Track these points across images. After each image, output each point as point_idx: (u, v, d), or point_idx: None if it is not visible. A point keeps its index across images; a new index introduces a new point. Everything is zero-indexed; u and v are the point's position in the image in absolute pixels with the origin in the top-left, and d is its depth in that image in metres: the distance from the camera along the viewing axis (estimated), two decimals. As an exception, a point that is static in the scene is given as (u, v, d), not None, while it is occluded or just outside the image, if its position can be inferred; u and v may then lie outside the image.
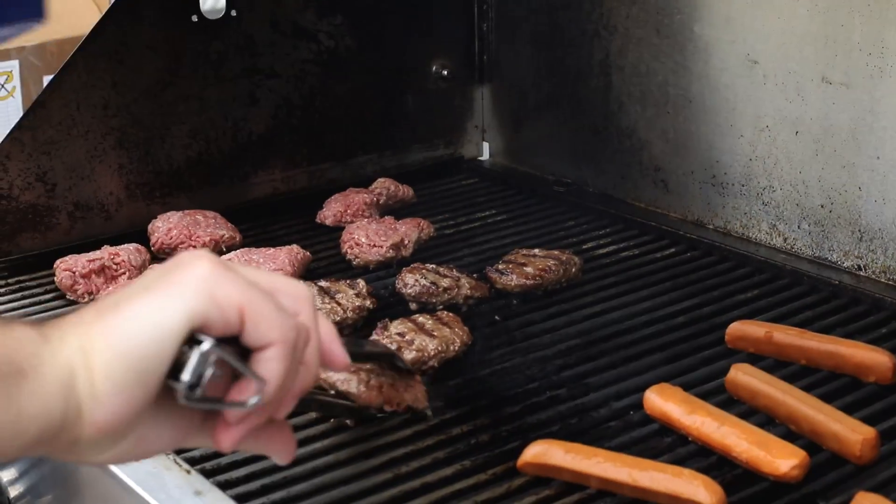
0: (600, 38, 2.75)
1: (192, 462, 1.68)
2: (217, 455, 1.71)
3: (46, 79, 3.72)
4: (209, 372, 1.02)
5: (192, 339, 1.01)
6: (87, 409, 0.99)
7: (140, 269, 2.32)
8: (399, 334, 1.98)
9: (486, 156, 3.16)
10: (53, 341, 0.99)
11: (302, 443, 1.75)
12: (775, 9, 2.36)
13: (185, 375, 1.01)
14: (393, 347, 1.95)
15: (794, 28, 2.34)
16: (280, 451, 1.16)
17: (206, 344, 1.01)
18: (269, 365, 1.04)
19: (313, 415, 1.81)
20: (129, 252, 2.36)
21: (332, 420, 1.80)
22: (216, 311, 1.01)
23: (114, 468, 1.62)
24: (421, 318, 2.04)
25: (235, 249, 2.42)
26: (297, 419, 1.79)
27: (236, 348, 1.04)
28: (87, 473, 1.71)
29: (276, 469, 1.68)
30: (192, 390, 1.01)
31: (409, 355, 1.94)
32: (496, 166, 3.12)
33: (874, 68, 2.22)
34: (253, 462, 1.70)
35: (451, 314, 2.08)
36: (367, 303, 2.15)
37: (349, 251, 2.45)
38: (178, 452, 1.70)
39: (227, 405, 1.05)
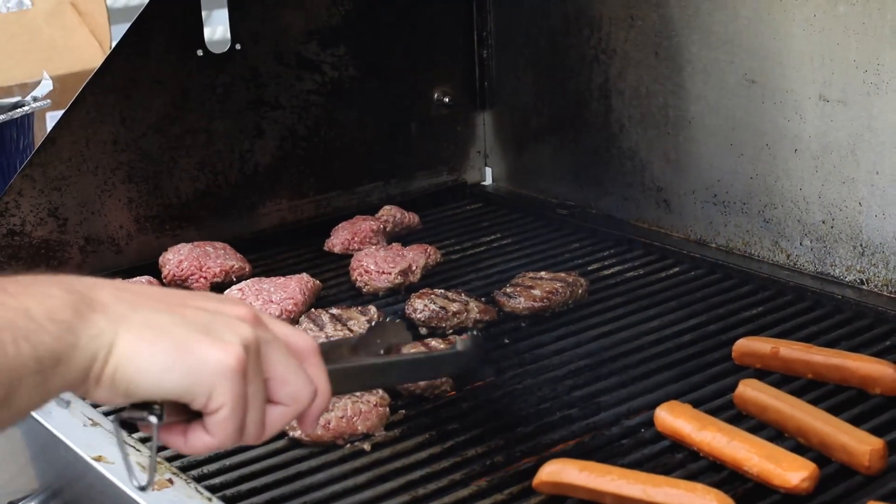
0: (599, 63, 2.79)
1: (213, 490, 1.71)
2: (238, 482, 1.75)
3: (49, 114, 3.77)
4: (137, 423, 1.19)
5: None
6: (91, 387, 1.14)
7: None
8: (411, 359, 2.01)
9: (489, 181, 3.20)
10: (90, 329, 1.11)
11: (320, 468, 1.79)
12: (772, 29, 2.40)
13: (123, 414, 1.19)
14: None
15: (790, 48, 2.37)
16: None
17: (152, 420, 1.17)
18: (199, 443, 1.21)
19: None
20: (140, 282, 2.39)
21: (348, 446, 1.84)
22: (203, 400, 1.16)
23: (139, 498, 1.64)
24: (433, 343, 2.07)
25: (245, 279, 2.45)
26: (314, 448, 1.83)
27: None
28: (110, 501, 1.74)
29: (296, 495, 1.72)
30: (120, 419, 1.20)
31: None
32: (500, 191, 3.16)
33: (870, 85, 2.25)
34: (273, 488, 1.74)
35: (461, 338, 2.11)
36: (379, 329, 2.18)
37: (358, 278, 2.48)
38: (199, 480, 1.73)
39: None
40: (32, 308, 1.09)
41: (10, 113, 3.15)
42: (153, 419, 1.16)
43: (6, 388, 1.06)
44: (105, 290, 1.16)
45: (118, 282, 1.23)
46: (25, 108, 3.17)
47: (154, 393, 1.14)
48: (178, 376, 1.13)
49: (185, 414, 1.19)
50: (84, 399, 1.16)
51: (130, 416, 1.18)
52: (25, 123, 3.23)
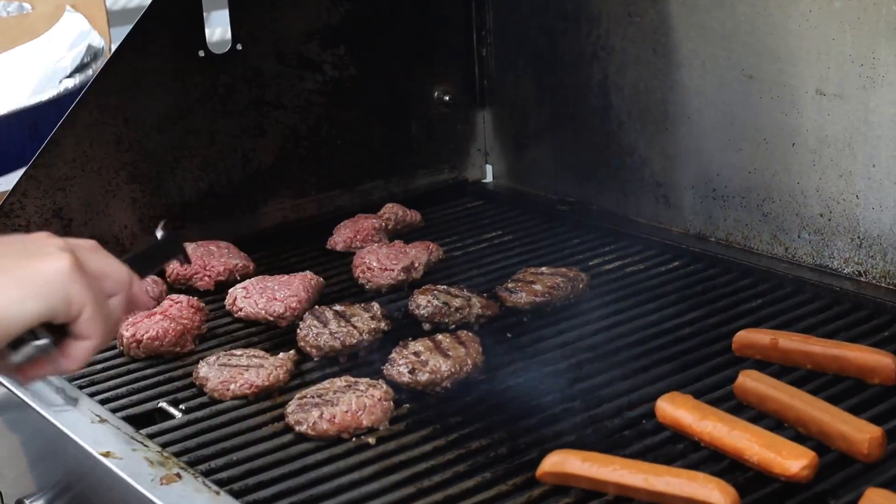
0: (599, 60, 2.81)
1: (221, 484, 1.74)
2: (245, 476, 1.77)
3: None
4: (34, 355, 1.29)
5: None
6: None
7: (157, 300, 2.38)
8: (415, 353, 2.04)
9: (489, 178, 3.22)
10: None
11: (326, 461, 1.81)
12: (769, 25, 2.42)
13: (16, 357, 1.29)
14: (408, 368, 2.01)
15: (787, 43, 2.40)
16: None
17: (44, 341, 1.28)
18: (82, 351, 1.32)
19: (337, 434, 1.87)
20: (146, 284, 2.41)
21: (353, 439, 1.86)
22: (65, 309, 1.26)
23: (148, 493, 1.67)
24: (440, 337, 2.10)
25: (249, 278, 2.47)
26: (320, 442, 1.86)
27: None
28: (119, 497, 1.76)
29: (302, 488, 1.75)
30: (17, 363, 1.29)
31: (423, 377, 1.99)
32: (500, 188, 3.18)
33: (866, 79, 2.27)
34: (280, 482, 1.76)
35: (469, 334, 2.13)
36: (382, 325, 2.21)
37: (361, 275, 2.50)
38: (207, 475, 1.76)
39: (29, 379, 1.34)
40: None
41: (98, 63, 3.22)
42: (43, 342, 1.25)
43: None
44: None
45: None
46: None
47: (21, 325, 1.22)
48: (32, 300, 1.22)
49: (56, 334, 1.27)
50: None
51: (23, 357, 1.26)
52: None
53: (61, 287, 1.24)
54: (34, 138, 3.09)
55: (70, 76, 3.28)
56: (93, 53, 3.37)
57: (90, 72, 3.29)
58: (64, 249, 1.28)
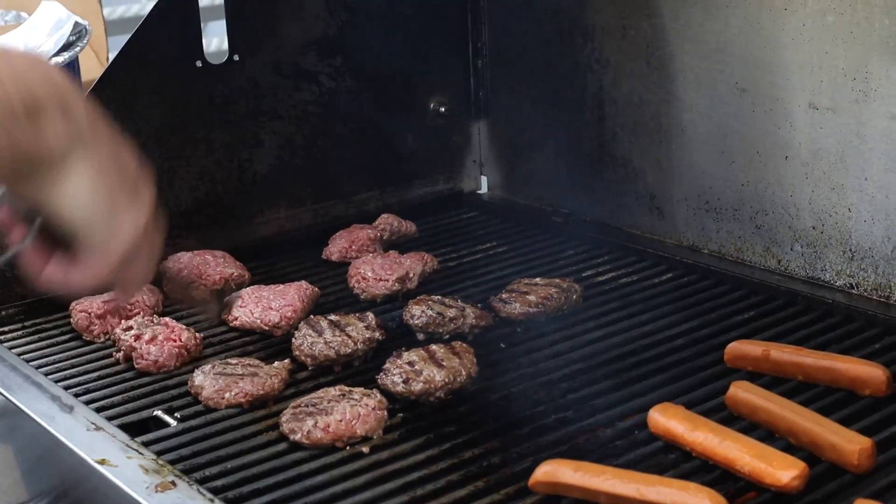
0: (593, 72, 2.83)
1: (216, 492, 1.74)
2: (239, 484, 1.78)
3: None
4: None
5: None
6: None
7: (153, 308, 2.39)
8: (409, 363, 2.05)
9: (484, 189, 3.23)
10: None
11: (320, 470, 1.82)
12: (762, 38, 2.44)
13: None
14: (402, 378, 2.02)
15: (780, 56, 2.41)
16: None
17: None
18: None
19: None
20: (142, 292, 2.42)
21: (347, 448, 1.87)
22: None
23: (143, 500, 1.67)
24: (434, 347, 2.11)
25: (245, 287, 2.48)
26: (314, 450, 1.87)
27: None
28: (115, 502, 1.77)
29: (296, 496, 1.75)
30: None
31: (417, 387, 2.00)
32: (495, 199, 3.19)
33: (859, 93, 2.29)
34: (274, 490, 1.77)
35: (464, 345, 2.14)
36: (377, 334, 2.22)
37: (356, 286, 2.51)
38: (202, 483, 1.76)
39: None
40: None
41: (85, 41, 3.24)
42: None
43: None
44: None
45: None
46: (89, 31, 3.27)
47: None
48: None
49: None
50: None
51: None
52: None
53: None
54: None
55: (57, 54, 3.31)
56: (78, 32, 3.39)
57: (77, 49, 3.31)
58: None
